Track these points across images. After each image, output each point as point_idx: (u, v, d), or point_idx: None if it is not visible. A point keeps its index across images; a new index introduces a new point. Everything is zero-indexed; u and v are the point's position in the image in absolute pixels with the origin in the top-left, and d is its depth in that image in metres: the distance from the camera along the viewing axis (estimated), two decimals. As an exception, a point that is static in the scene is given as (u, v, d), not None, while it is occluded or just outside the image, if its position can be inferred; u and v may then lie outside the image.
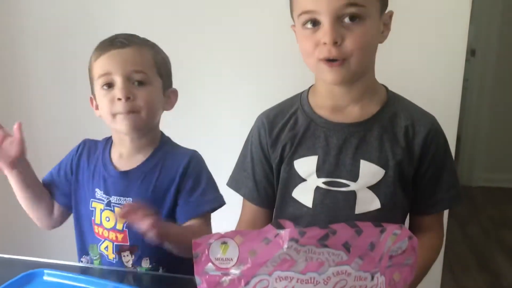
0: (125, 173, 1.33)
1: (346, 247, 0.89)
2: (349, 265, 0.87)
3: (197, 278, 0.87)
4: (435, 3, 1.84)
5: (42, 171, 1.43)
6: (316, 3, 1.13)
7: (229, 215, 1.36)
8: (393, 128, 1.25)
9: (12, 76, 2.25)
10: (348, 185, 1.24)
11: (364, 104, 1.26)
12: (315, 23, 1.15)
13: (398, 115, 1.26)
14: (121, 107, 1.26)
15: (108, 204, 1.32)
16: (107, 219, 1.32)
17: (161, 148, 1.37)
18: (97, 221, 1.33)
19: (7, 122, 1.32)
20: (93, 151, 1.39)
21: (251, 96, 2.02)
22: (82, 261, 1.39)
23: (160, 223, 1.13)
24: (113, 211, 1.31)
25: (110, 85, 1.27)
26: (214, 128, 2.09)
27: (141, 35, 1.37)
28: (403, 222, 1.34)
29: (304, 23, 1.17)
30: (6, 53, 2.22)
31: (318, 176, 1.26)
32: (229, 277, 0.86)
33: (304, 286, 0.86)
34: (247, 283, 0.86)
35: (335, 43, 1.12)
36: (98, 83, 1.29)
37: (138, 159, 1.34)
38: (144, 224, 1.09)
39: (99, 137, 1.43)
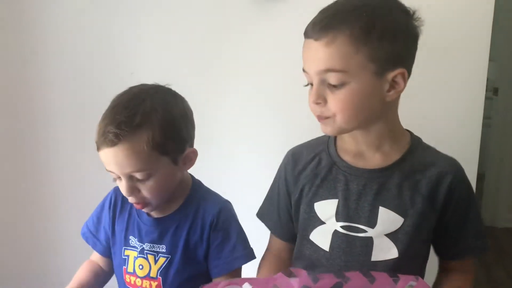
0: (159, 220, 1.37)
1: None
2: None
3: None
4: (453, 41, 1.83)
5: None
6: (306, 65, 1.23)
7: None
8: (414, 176, 1.28)
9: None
10: (365, 231, 1.27)
11: (385, 151, 1.30)
12: (311, 83, 1.24)
13: (420, 163, 1.29)
14: (130, 200, 1.32)
15: (142, 251, 1.37)
16: (140, 267, 1.37)
17: (193, 195, 1.40)
18: (130, 269, 1.39)
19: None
20: (125, 198, 1.37)
21: (271, 131, 2.03)
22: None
23: None
24: (146, 258, 1.36)
25: (118, 178, 1.29)
26: (232, 163, 2.09)
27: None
28: (423, 271, 1.36)
29: (306, 83, 1.27)
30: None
31: (337, 219, 1.30)
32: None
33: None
34: (257, 331, 0.90)
35: (317, 103, 1.22)
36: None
37: (171, 207, 1.38)
38: None
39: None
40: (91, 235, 1.46)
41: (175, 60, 2.02)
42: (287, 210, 1.41)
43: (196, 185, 1.43)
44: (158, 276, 1.36)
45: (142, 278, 1.37)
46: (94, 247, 1.46)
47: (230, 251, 1.36)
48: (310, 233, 1.35)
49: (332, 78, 1.18)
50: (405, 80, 1.22)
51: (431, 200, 1.27)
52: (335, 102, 1.19)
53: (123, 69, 2.05)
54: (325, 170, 1.34)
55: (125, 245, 1.40)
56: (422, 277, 1.35)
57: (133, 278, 1.38)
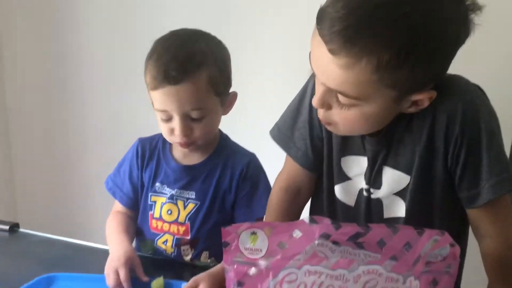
0: (189, 168, 1.36)
1: (380, 245, 0.86)
2: (381, 265, 0.85)
3: (226, 267, 0.88)
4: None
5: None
6: (314, 67, 1.02)
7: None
8: (417, 127, 1.10)
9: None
10: (372, 193, 1.18)
11: None
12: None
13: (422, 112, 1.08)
14: (179, 139, 1.29)
15: (171, 197, 1.35)
16: (169, 212, 1.34)
17: (222, 147, 1.38)
18: (156, 215, 1.36)
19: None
20: (152, 148, 1.40)
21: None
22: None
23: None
24: (175, 204, 1.34)
25: (168, 119, 1.28)
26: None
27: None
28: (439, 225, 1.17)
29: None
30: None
31: (365, 180, 1.19)
32: (258, 268, 0.87)
33: (333, 282, 0.85)
34: (275, 276, 0.86)
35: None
36: (158, 114, 1.29)
37: (199, 156, 1.36)
38: None
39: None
40: (117, 189, 1.43)
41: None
42: (314, 137, 1.22)
43: (225, 136, 1.42)
44: (187, 222, 1.34)
45: (170, 223, 1.35)
46: (121, 200, 1.42)
47: (257, 200, 1.34)
48: (334, 186, 1.24)
49: (342, 99, 0.99)
50: (431, 100, 1.02)
51: (431, 149, 1.09)
52: (340, 117, 1.03)
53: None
54: None
55: (152, 192, 1.37)
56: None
57: (160, 223, 1.36)
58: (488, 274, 1.16)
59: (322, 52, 0.95)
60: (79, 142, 2.52)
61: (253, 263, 0.87)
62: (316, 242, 0.86)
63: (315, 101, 1.05)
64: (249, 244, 0.87)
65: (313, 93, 1.12)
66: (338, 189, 1.24)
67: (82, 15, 2.32)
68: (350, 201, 1.23)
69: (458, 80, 1.10)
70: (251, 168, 1.36)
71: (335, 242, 0.89)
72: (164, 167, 1.37)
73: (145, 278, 1.18)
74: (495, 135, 1.07)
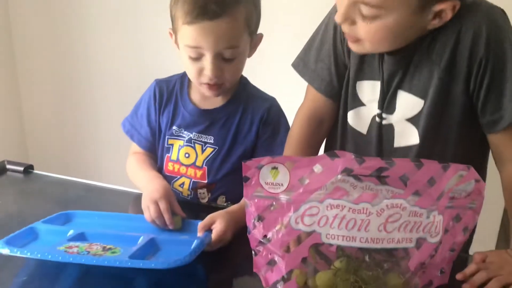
0: (208, 112, 1.33)
1: (404, 180, 0.85)
2: (405, 199, 0.83)
3: (246, 201, 0.87)
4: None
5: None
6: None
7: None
8: (434, 47, 1.08)
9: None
10: (385, 118, 1.16)
11: None
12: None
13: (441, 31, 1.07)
14: (208, 80, 1.24)
15: (189, 140, 1.33)
16: (187, 155, 1.33)
17: (242, 90, 1.36)
18: (173, 157, 1.35)
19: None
20: (170, 90, 1.37)
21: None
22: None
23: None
24: (193, 147, 1.32)
25: (198, 58, 1.22)
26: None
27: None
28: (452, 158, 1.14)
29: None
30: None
31: (378, 105, 1.18)
32: (278, 202, 0.85)
33: (355, 216, 0.83)
34: (296, 209, 0.84)
35: (344, 23, 1.06)
36: (185, 49, 1.22)
37: (219, 100, 1.34)
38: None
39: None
40: (135, 132, 1.40)
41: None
42: (344, 67, 1.22)
43: (245, 80, 1.38)
44: (204, 166, 1.32)
45: (187, 166, 1.34)
46: (139, 143, 1.40)
47: (279, 145, 1.32)
48: (347, 112, 1.23)
49: (365, 10, 1.01)
50: (454, 11, 1.02)
51: (452, 72, 1.08)
52: (365, 31, 1.04)
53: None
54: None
55: (169, 135, 1.35)
56: None
57: (176, 166, 1.35)
58: (509, 204, 1.13)
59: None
60: (89, 85, 2.53)
61: (273, 197, 0.85)
62: (339, 176, 0.84)
63: (338, 16, 1.05)
64: (270, 178, 0.85)
65: (335, 24, 1.16)
66: (351, 115, 1.23)
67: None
68: (362, 128, 1.22)
69: (482, 1, 1.08)
70: (272, 113, 1.34)
71: (357, 178, 0.88)
72: (182, 110, 1.35)
73: (182, 214, 1.17)
74: None
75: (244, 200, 0.87)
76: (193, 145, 1.33)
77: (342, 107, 1.24)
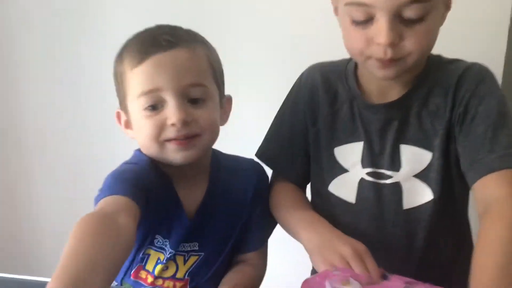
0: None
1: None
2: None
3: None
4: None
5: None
6: None
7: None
8: (433, 100, 1.08)
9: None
10: (391, 176, 1.11)
11: (404, 80, 1.09)
12: (368, 19, 0.98)
13: (438, 85, 1.08)
14: (175, 134, 1.01)
15: (171, 256, 1.12)
16: (165, 268, 1.13)
17: (217, 171, 1.16)
18: (148, 268, 1.13)
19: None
20: (151, 185, 1.05)
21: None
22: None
23: None
24: (174, 260, 1.13)
25: (156, 106, 1.01)
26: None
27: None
28: (466, 215, 1.18)
29: (355, 21, 0.99)
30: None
31: (363, 166, 1.12)
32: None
33: None
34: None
35: (391, 44, 0.96)
36: (139, 102, 1.01)
37: (198, 195, 1.14)
38: None
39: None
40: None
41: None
42: (303, 146, 1.20)
43: (217, 156, 1.19)
44: (186, 277, 1.14)
45: (164, 279, 1.14)
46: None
47: (270, 217, 1.20)
48: (329, 184, 1.16)
49: (414, 11, 0.94)
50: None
51: (450, 118, 1.06)
52: (415, 38, 0.97)
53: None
54: (344, 106, 1.14)
55: (150, 244, 1.12)
56: (467, 225, 1.19)
57: (150, 278, 1.13)
58: (489, 260, 0.89)
59: None
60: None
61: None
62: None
63: (387, 37, 0.95)
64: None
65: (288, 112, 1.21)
66: (333, 185, 1.16)
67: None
68: (350, 197, 1.14)
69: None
70: (262, 185, 1.20)
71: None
72: (172, 218, 1.11)
73: None
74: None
75: None
76: (173, 258, 1.12)
77: (320, 180, 1.18)
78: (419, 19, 0.96)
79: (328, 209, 1.17)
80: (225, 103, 1.14)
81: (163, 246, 1.12)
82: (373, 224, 1.14)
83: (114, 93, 1.11)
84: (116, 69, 1.07)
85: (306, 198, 1.22)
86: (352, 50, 1.05)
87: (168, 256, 1.12)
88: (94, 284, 0.72)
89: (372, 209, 1.13)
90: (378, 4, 0.94)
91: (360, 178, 1.13)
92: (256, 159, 1.24)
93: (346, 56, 1.12)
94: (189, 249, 1.13)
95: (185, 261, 1.14)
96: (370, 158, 1.11)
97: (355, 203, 1.14)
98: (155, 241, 1.12)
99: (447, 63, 1.12)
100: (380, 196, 1.12)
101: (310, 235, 1.04)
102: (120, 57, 1.06)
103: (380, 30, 0.96)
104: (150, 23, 1.09)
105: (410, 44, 0.97)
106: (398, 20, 0.96)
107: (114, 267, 0.78)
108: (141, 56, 1.00)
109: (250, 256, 1.20)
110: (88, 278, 0.71)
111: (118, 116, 1.12)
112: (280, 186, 1.21)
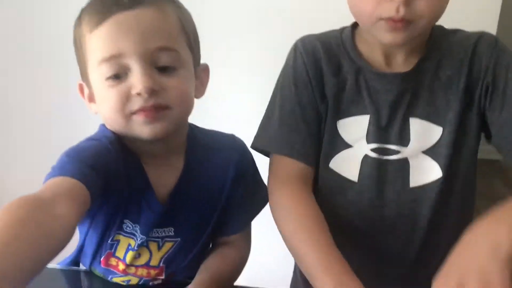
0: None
1: None
2: None
3: None
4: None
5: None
6: None
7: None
8: (445, 71, 1.03)
9: None
10: (398, 152, 1.03)
11: (411, 50, 1.02)
12: None
13: (447, 54, 1.03)
14: (142, 104, 0.87)
15: (143, 242, 1.02)
16: (137, 255, 1.02)
17: (193, 146, 1.03)
18: (118, 255, 1.02)
19: None
20: (114, 166, 0.93)
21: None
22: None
23: None
24: (147, 246, 1.02)
25: (119, 75, 0.87)
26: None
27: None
28: (473, 195, 1.11)
29: None
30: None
31: (368, 141, 1.04)
32: None
33: None
34: None
35: (405, 2, 0.89)
36: (100, 71, 0.88)
37: (173, 177, 1.01)
38: None
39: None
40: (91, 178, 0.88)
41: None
42: (315, 120, 1.05)
43: (193, 130, 1.06)
44: (162, 264, 1.03)
45: (137, 266, 1.03)
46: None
47: (253, 198, 1.08)
48: (330, 160, 1.06)
49: None
50: None
51: (469, 90, 1.01)
52: (427, 1, 0.90)
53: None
54: (349, 77, 1.04)
55: (118, 230, 1.00)
56: (472, 206, 1.11)
57: (122, 265, 1.03)
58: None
59: None
60: None
61: None
62: None
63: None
64: None
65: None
66: (335, 162, 1.06)
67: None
68: (352, 174, 1.05)
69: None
70: (244, 163, 1.07)
71: None
72: (140, 202, 0.98)
73: None
74: None
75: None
76: (146, 244, 1.01)
77: (321, 156, 1.07)
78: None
79: (328, 186, 1.07)
80: (202, 73, 1.00)
81: (133, 232, 1.00)
82: (375, 203, 1.06)
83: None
84: (75, 33, 0.93)
85: (323, 218, 1.01)
86: (360, 12, 0.96)
87: (140, 242, 1.00)
88: (15, 279, 0.62)
89: (376, 187, 1.05)
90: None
91: (364, 154, 1.04)
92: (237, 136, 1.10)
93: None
94: (163, 234, 1.02)
95: (159, 248, 1.02)
96: (377, 133, 1.03)
97: (357, 181, 1.05)
98: (124, 226, 1.00)
99: (451, 33, 1.06)
100: (385, 174, 1.04)
101: (326, 278, 0.90)
102: (79, 19, 0.92)
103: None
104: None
105: (423, 4, 0.90)
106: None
107: (41, 261, 0.68)
108: (100, 16, 0.86)
109: (233, 238, 1.09)
110: (9, 273, 0.61)
111: (81, 88, 0.98)
112: (293, 194, 1.04)
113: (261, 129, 1.09)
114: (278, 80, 1.11)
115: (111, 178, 0.89)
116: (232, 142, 1.08)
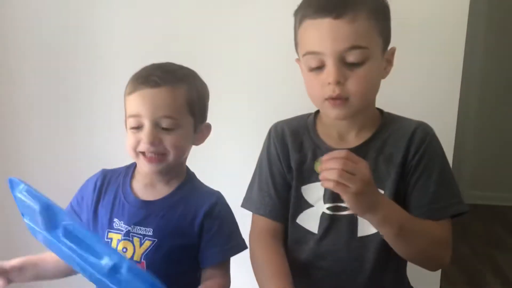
0: (147, 203, 1.33)
1: None
2: None
3: None
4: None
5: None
6: (320, 45, 1.20)
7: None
8: (389, 149, 1.30)
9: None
10: (348, 209, 1.25)
11: (361, 130, 1.32)
12: (320, 65, 1.21)
13: (391, 136, 1.31)
14: (145, 148, 1.28)
15: (127, 234, 1.30)
16: (124, 250, 1.29)
17: (187, 184, 1.37)
18: None
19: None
20: (113, 180, 1.39)
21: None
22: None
23: None
24: (131, 241, 1.30)
25: (138, 127, 1.28)
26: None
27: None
28: None
29: (311, 68, 1.23)
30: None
31: (325, 201, 1.31)
32: None
33: None
34: None
35: (338, 83, 1.19)
36: (128, 122, 1.30)
37: (162, 192, 1.34)
38: None
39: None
40: (76, 216, 1.38)
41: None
42: (283, 187, 1.38)
43: (190, 174, 1.41)
44: (142, 260, 1.29)
45: None
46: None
47: (227, 240, 1.33)
48: (296, 217, 1.35)
49: (354, 56, 1.18)
50: (393, 56, 1.29)
51: (403, 167, 1.29)
52: (355, 81, 1.19)
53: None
54: (309, 152, 1.34)
55: (109, 228, 1.33)
56: None
57: None
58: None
59: (323, 27, 1.19)
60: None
61: None
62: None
63: (333, 77, 1.19)
64: None
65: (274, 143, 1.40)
66: (301, 218, 1.35)
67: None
68: (313, 227, 1.33)
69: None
70: (219, 206, 1.34)
71: None
72: (122, 201, 1.34)
73: None
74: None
75: None
76: (131, 239, 1.30)
77: (290, 214, 1.37)
78: (359, 64, 1.19)
79: (296, 237, 1.38)
80: (203, 129, 1.39)
81: (120, 227, 1.32)
82: (331, 249, 1.34)
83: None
84: (124, 92, 1.36)
85: (287, 265, 1.34)
86: (312, 95, 1.28)
87: (125, 234, 1.31)
88: None
89: (331, 237, 1.33)
90: (324, 51, 1.19)
91: (322, 212, 1.33)
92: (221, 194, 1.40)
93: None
94: (144, 233, 1.31)
95: (141, 244, 1.30)
96: (331, 195, 1.30)
97: (317, 233, 1.33)
98: (114, 224, 1.33)
99: (398, 119, 1.37)
100: (338, 226, 1.32)
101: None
102: (128, 84, 1.34)
103: (329, 72, 1.20)
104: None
105: (352, 84, 1.20)
106: (342, 64, 1.20)
107: None
108: (134, 87, 1.30)
109: (210, 273, 1.33)
110: None
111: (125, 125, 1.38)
112: (264, 246, 1.38)
113: (247, 193, 1.45)
114: (259, 157, 1.45)
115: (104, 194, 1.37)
116: (214, 192, 1.38)
